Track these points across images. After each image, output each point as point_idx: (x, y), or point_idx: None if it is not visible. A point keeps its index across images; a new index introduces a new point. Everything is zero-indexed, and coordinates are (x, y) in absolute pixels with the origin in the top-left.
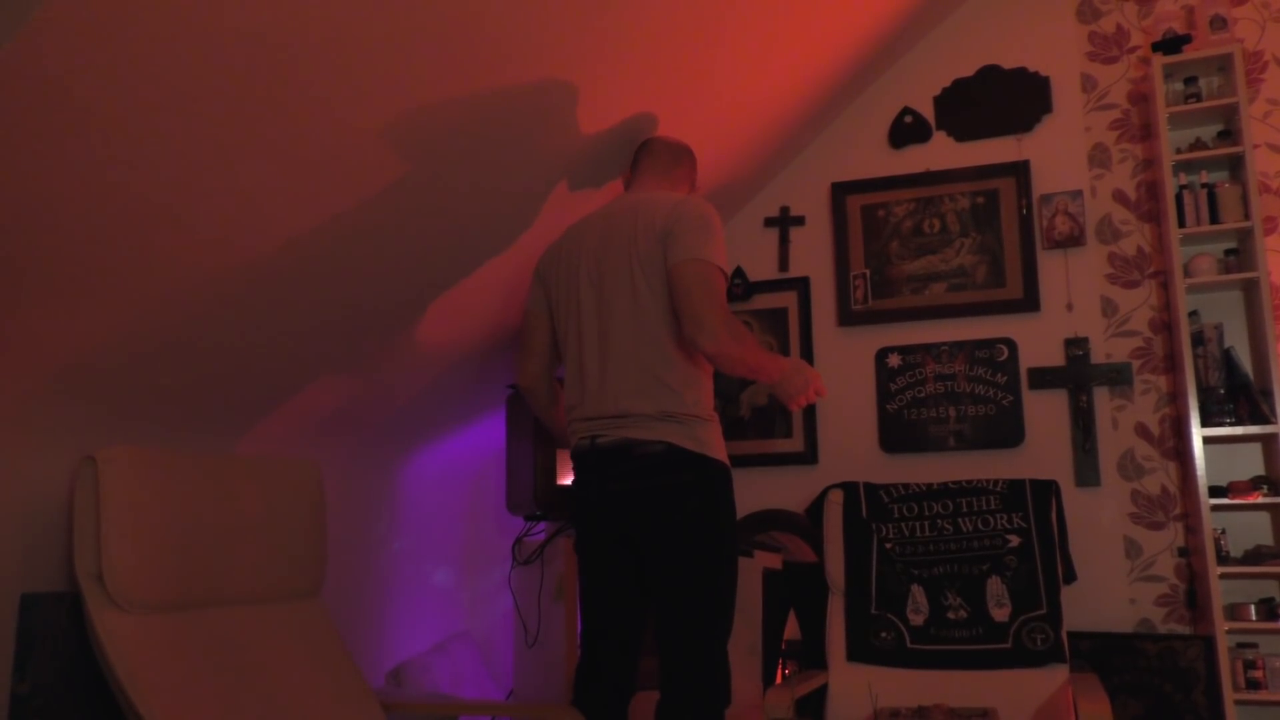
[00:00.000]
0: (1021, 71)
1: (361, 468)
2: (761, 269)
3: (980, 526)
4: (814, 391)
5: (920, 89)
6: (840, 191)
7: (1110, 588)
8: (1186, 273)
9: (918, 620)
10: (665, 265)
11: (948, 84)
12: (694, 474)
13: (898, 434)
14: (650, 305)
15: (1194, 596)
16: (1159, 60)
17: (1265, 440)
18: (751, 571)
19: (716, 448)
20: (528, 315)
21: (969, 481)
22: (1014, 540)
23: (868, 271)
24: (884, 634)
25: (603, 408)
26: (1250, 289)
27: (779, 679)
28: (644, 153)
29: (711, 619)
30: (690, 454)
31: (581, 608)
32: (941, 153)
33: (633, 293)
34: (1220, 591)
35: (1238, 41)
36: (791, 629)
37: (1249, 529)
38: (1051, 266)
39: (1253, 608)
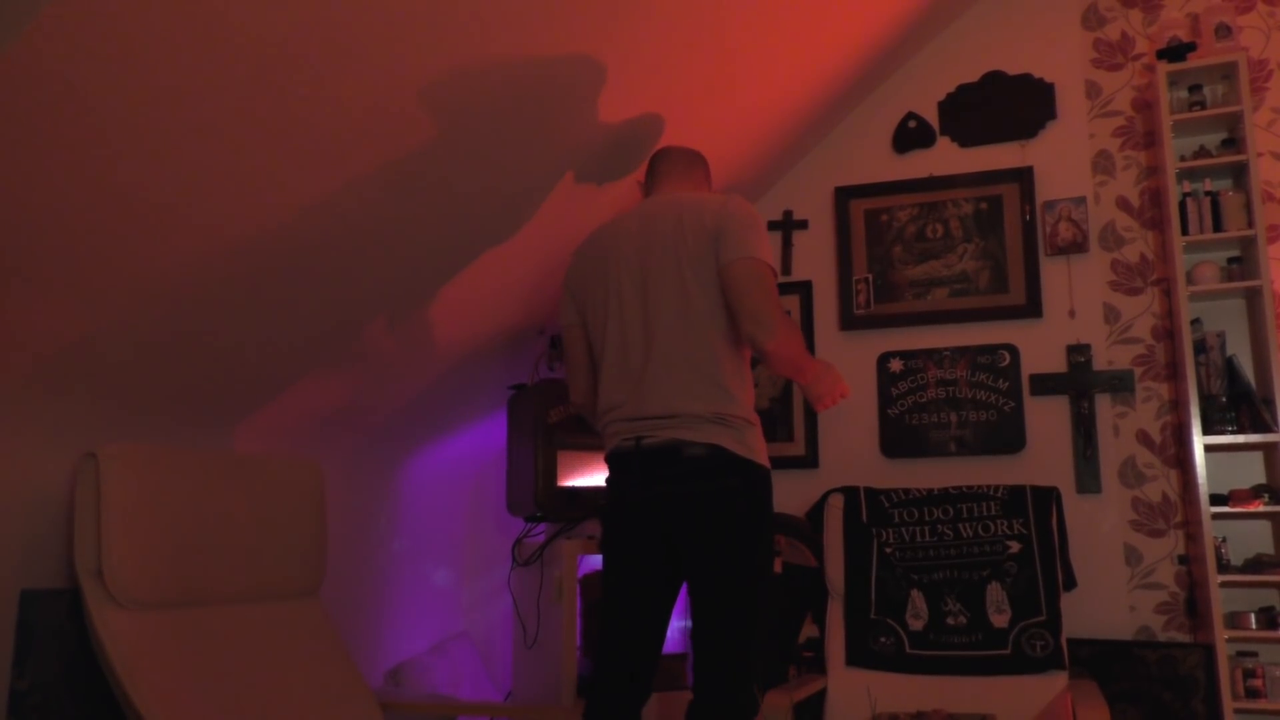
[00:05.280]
0: (1026, 78)
1: (362, 467)
2: None
3: (980, 532)
4: (839, 393)
5: (924, 94)
6: (843, 196)
7: (1110, 595)
8: (1189, 280)
9: (917, 625)
10: (717, 264)
11: (952, 89)
12: (740, 479)
13: (899, 439)
14: (701, 304)
15: (1194, 605)
16: (1163, 68)
17: (1266, 449)
18: None
19: (760, 452)
20: (565, 330)
21: (970, 487)
22: (1014, 546)
23: (870, 276)
24: (883, 639)
25: (649, 408)
26: (1253, 297)
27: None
28: (661, 159)
29: (748, 624)
30: (738, 458)
31: (604, 609)
32: (945, 158)
33: (682, 292)
34: (1220, 600)
35: (1242, 49)
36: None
37: (1249, 537)
38: (1054, 273)
39: (1253, 616)
